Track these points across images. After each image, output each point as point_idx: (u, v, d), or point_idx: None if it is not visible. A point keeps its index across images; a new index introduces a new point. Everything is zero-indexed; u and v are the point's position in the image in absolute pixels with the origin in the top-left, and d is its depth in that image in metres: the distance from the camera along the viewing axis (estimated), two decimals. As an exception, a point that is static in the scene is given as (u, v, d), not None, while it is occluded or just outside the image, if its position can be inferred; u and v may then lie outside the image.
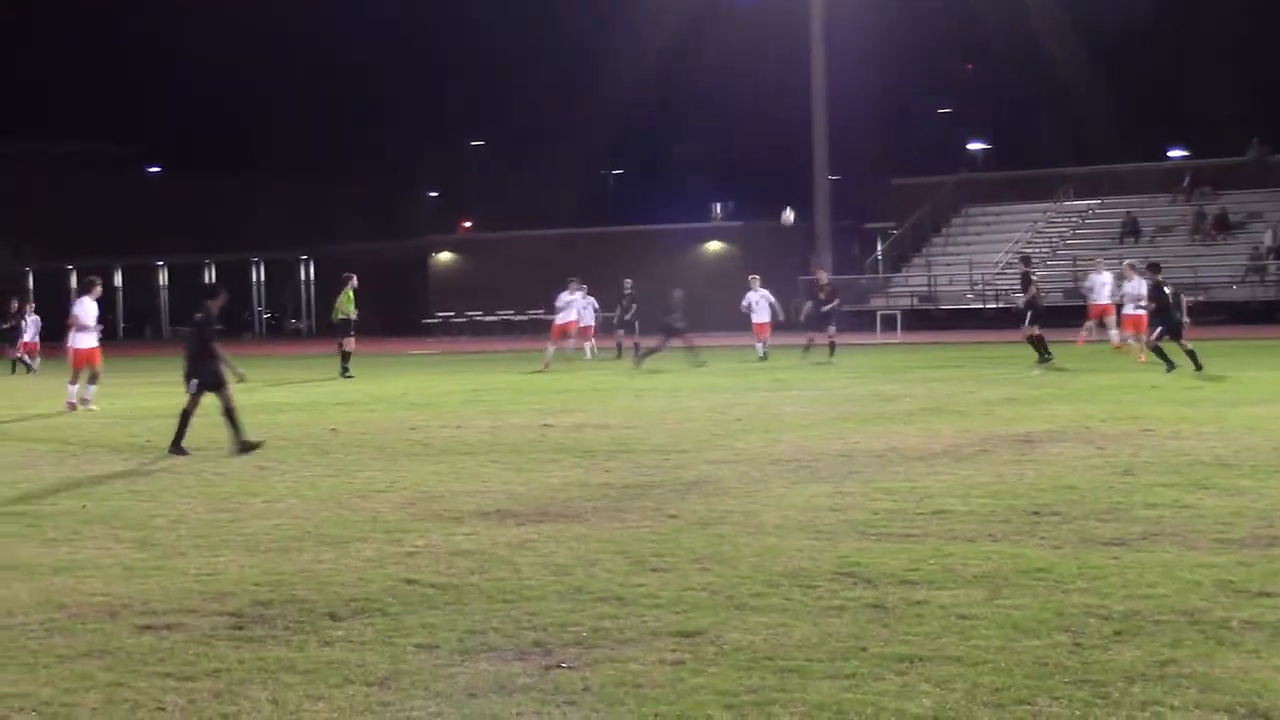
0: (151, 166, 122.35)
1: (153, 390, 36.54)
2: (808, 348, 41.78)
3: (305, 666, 8.73)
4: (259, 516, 14.67)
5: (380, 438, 22.46)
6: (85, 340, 28.63)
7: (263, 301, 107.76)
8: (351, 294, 39.81)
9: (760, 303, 43.94)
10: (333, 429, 23.82)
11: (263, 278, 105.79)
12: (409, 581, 11.08)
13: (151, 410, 29.76)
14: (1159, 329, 32.37)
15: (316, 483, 17.25)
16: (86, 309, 28.81)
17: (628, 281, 49.51)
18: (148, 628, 9.82)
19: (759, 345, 43.55)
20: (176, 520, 14.55)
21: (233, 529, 13.92)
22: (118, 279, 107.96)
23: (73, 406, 27.82)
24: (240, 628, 9.78)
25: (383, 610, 10.14)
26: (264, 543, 13.08)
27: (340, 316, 39.85)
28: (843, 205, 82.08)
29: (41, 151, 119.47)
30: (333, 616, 10.00)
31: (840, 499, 14.74)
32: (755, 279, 44.71)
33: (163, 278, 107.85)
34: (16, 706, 8.07)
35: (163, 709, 7.98)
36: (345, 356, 39.63)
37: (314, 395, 25.99)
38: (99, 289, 28.78)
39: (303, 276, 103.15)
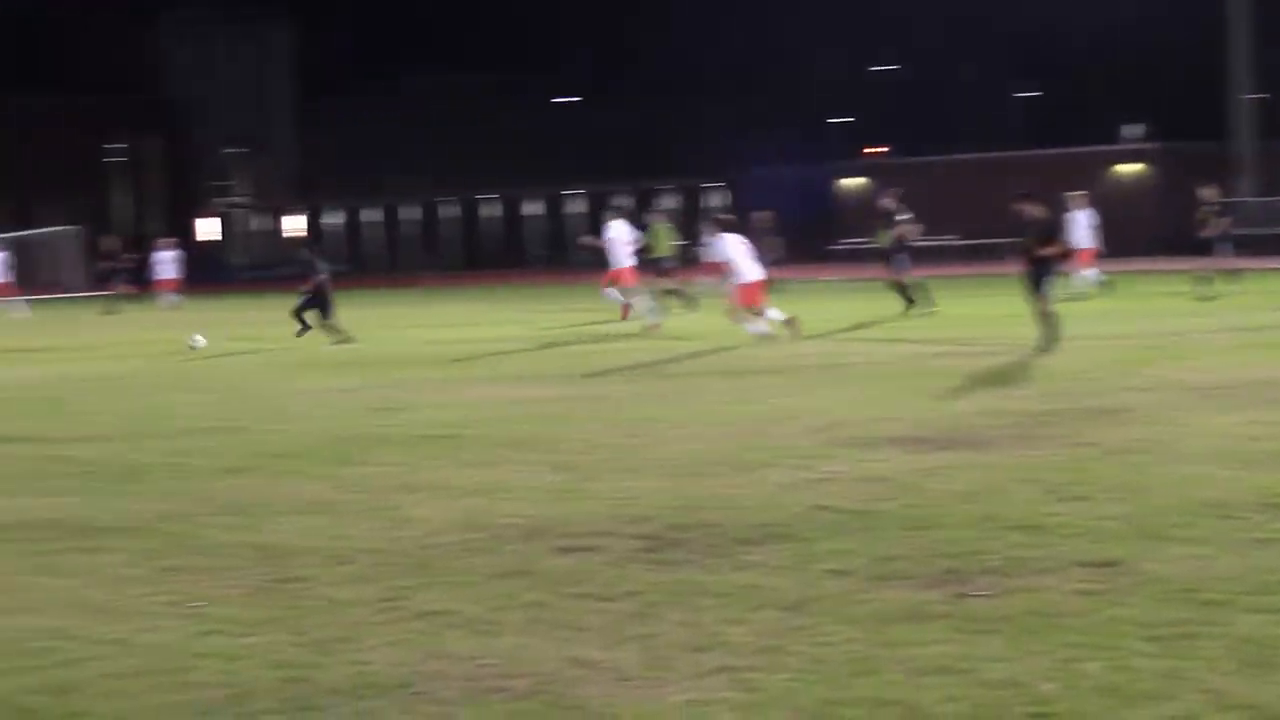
0: (560, 97, 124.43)
1: (579, 315, 37.26)
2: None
3: (719, 590, 8.83)
4: (670, 441, 14.87)
5: (788, 362, 22.57)
6: (747, 276, 26.77)
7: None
8: (662, 230, 38.73)
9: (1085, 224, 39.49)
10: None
11: (678, 205, 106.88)
12: (820, 507, 11.11)
13: (576, 336, 30.45)
14: None
15: (730, 407, 17.42)
16: (731, 246, 26.91)
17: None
18: (566, 549, 10.05)
19: (1089, 273, 38.78)
20: (590, 445, 14.83)
21: (645, 453, 14.14)
22: (530, 209, 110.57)
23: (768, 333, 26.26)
24: (655, 550, 9.93)
25: (794, 535, 10.19)
26: (676, 467, 13.25)
27: (656, 254, 38.69)
28: (1273, 125, 78.98)
29: (455, 83, 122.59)
30: (745, 541, 10.09)
31: (1260, 428, 14.26)
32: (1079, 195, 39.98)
33: (576, 207, 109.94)
34: (446, 623, 8.35)
35: (582, 629, 8.16)
36: (668, 293, 37.90)
37: (720, 323, 26.35)
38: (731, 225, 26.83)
39: (713, 204, 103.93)
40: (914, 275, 34.32)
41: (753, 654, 7.58)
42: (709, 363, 23.18)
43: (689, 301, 37.50)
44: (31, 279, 66.19)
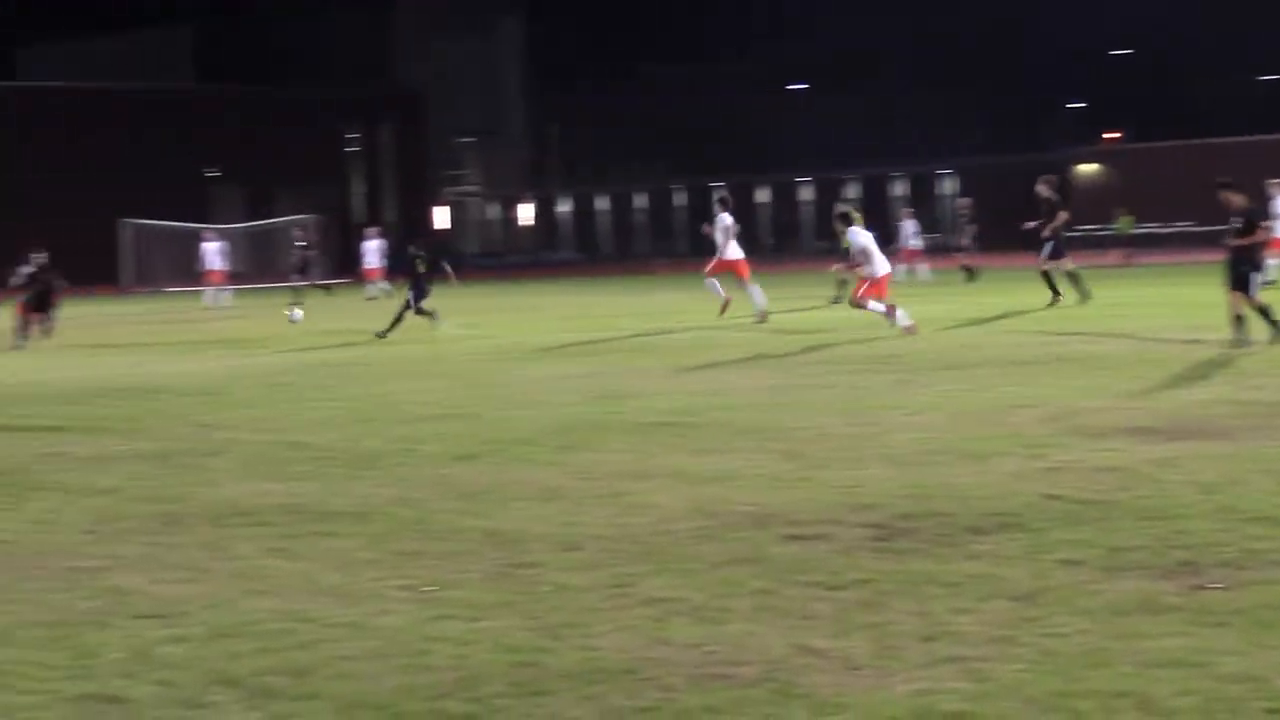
0: (794, 83, 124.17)
1: (795, 304, 37.21)
2: None
3: (949, 579, 8.76)
4: (900, 430, 14.78)
5: (1017, 352, 22.31)
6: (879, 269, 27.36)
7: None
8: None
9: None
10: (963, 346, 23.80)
11: (907, 192, 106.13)
12: (1051, 497, 10.98)
13: (796, 325, 30.41)
14: None
15: (956, 397, 17.27)
16: (862, 238, 27.49)
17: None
18: (794, 537, 10.04)
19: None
20: (818, 433, 14.79)
21: (873, 442, 14.07)
22: (760, 196, 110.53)
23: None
24: (884, 539, 9.88)
25: (1025, 525, 10.08)
26: (905, 456, 13.18)
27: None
28: None
29: (687, 72, 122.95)
30: (975, 530, 10.00)
31: None
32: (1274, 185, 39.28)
33: (806, 194, 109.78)
34: (673, 609, 8.38)
35: (810, 617, 8.15)
36: (842, 284, 37.92)
37: (952, 309, 26.21)
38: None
39: (944, 190, 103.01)
40: (1053, 266, 33.53)
41: (983, 644, 7.51)
42: (926, 353, 22.94)
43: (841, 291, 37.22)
44: (273, 267, 67.71)
